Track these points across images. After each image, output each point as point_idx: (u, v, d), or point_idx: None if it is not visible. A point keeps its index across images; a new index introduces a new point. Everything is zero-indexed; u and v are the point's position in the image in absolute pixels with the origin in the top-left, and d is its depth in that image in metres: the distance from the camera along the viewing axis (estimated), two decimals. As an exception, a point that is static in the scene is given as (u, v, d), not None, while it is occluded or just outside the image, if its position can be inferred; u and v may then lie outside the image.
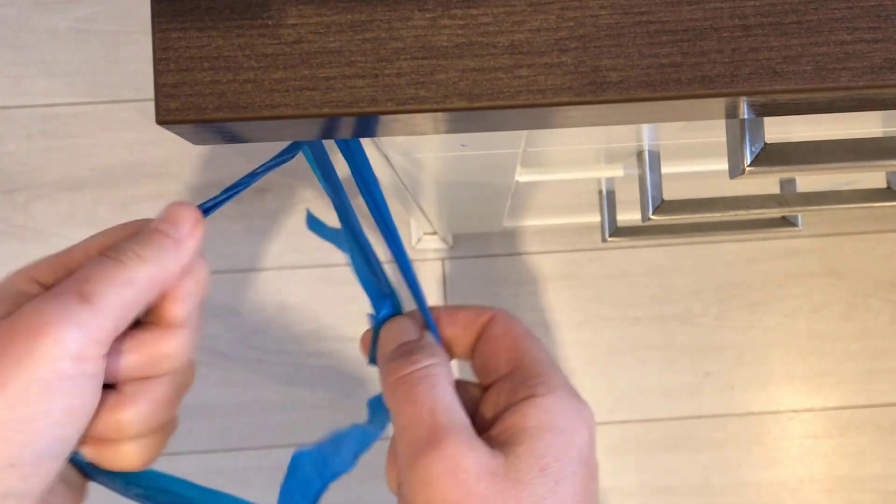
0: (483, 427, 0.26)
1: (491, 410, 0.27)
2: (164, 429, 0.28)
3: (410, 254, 0.98)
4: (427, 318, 0.29)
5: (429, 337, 0.29)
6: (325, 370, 0.94)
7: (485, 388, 0.29)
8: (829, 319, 0.97)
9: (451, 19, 0.24)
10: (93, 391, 0.24)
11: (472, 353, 0.29)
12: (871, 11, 0.23)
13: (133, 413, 0.25)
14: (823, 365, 0.96)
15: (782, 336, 0.97)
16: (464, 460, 0.24)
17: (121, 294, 0.24)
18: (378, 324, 0.30)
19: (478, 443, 0.25)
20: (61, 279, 0.25)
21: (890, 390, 0.95)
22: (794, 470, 0.94)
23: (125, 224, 0.27)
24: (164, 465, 1.00)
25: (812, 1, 0.24)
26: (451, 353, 0.30)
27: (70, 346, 0.23)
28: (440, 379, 0.26)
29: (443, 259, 0.98)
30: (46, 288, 0.25)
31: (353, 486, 0.91)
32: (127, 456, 0.26)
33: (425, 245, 0.97)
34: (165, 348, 0.26)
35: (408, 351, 0.27)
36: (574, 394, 0.26)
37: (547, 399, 0.25)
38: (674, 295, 0.98)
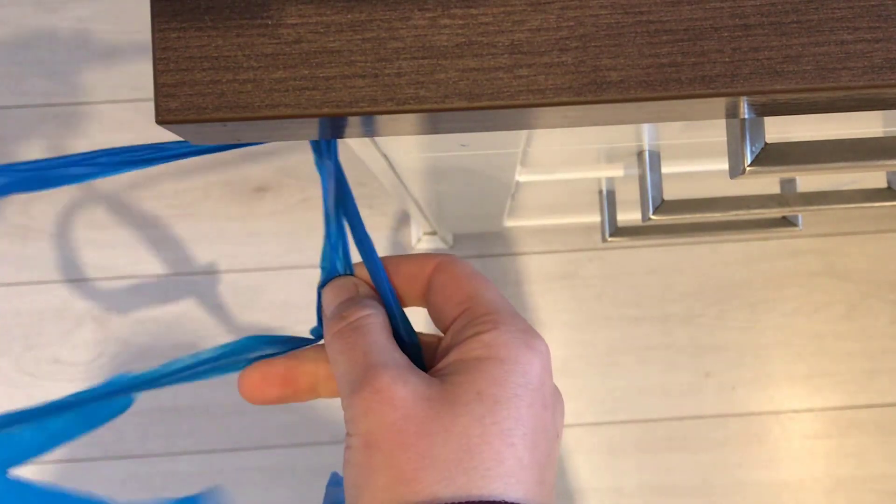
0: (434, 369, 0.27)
1: (442, 353, 0.27)
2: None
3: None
4: (377, 271, 0.29)
5: (363, 290, 0.29)
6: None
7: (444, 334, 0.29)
8: (830, 319, 0.97)
9: (451, 19, 0.24)
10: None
11: (426, 303, 0.30)
12: (871, 11, 0.23)
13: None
14: (823, 365, 0.96)
15: (782, 336, 0.97)
16: (398, 390, 0.24)
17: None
18: (321, 288, 0.30)
19: (414, 376, 0.25)
20: None
21: (890, 390, 0.95)
22: (794, 470, 0.94)
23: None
24: (165, 465, 1.00)
25: (812, 1, 0.24)
26: (403, 303, 0.30)
27: None
28: (373, 327, 0.27)
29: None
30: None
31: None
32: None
33: (425, 245, 0.97)
34: None
35: (342, 307, 0.28)
36: (523, 327, 0.26)
37: (490, 334, 0.26)
38: (674, 295, 0.98)
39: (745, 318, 0.97)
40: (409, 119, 0.25)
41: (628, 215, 0.62)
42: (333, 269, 0.30)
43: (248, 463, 0.92)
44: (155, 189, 0.99)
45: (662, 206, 0.49)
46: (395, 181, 0.60)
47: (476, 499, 0.23)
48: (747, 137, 0.30)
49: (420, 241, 0.97)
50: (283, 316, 0.96)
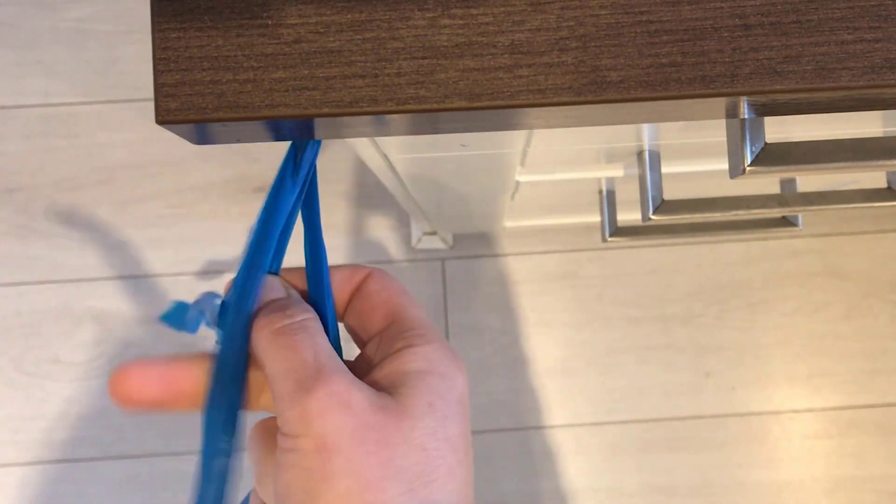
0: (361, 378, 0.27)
1: (367, 364, 0.27)
2: None
3: (411, 254, 0.98)
4: (322, 277, 0.29)
5: (294, 293, 0.29)
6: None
7: (361, 347, 0.29)
8: (830, 319, 0.97)
9: (451, 19, 0.24)
10: None
11: (346, 313, 0.30)
12: (871, 11, 0.23)
13: None
14: (823, 365, 0.96)
15: (782, 336, 0.97)
16: (354, 395, 0.24)
17: None
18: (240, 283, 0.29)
19: (363, 384, 0.25)
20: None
21: (890, 390, 0.95)
22: (794, 470, 0.94)
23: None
24: (166, 465, 1.00)
25: (812, 1, 0.24)
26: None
27: None
28: (317, 331, 0.27)
29: (443, 259, 0.98)
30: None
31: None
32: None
33: (425, 245, 0.97)
34: None
35: (282, 306, 0.27)
36: (448, 346, 0.27)
37: (425, 348, 0.26)
38: (674, 295, 0.98)
39: (745, 318, 0.97)
40: (409, 119, 0.25)
41: (628, 215, 0.62)
42: (257, 265, 0.29)
43: (247, 463, 0.92)
44: (155, 189, 0.99)
45: (662, 206, 0.49)
46: (394, 181, 0.60)
47: None
48: (747, 137, 0.30)
49: (420, 241, 0.97)
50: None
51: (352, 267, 0.30)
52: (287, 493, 0.24)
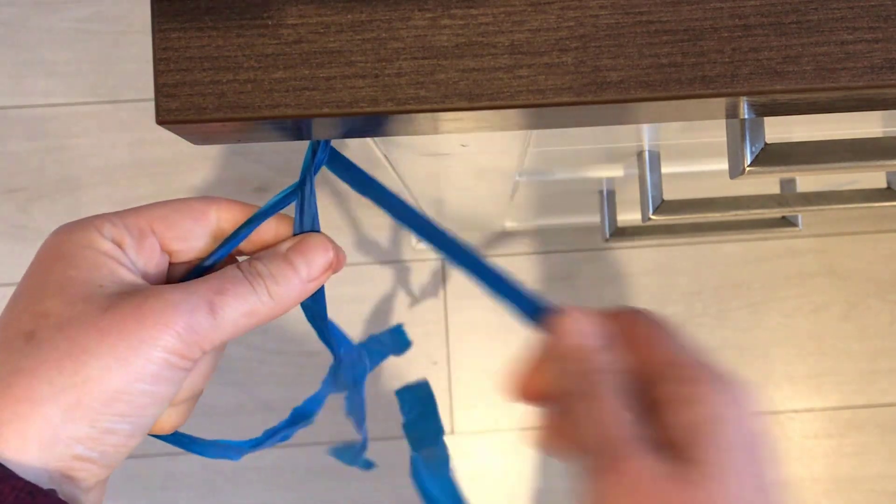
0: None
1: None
2: (197, 396, 0.30)
3: (411, 254, 0.98)
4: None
5: (604, 338, 0.27)
6: (325, 370, 0.94)
7: None
8: (829, 319, 0.97)
9: (451, 19, 0.24)
10: (180, 383, 0.26)
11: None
12: (871, 11, 0.23)
13: (186, 383, 0.28)
14: (823, 365, 0.96)
15: (782, 336, 0.97)
16: (649, 482, 0.23)
17: (240, 321, 0.26)
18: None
19: (660, 462, 0.24)
20: (144, 242, 0.27)
21: (890, 390, 0.95)
22: (794, 470, 0.94)
23: (232, 202, 0.29)
24: (165, 466, 0.99)
25: (812, 1, 0.24)
26: None
27: (184, 345, 0.25)
28: (620, 390, 0.25)
29: (443, 259, 0.98)
30: (122, 247, 0.26)
31: (353, 486, 0.91)
32: (165, 419, 0.29)
33: (425, 245, 0.97)
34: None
35: (593, 358, 0.26)
36: (720, 377, 0.25)
37: (711, 403, 0.25)
38: (674, 295, 0.98)
39: (744, 318, 0.97)
40: (410, 119, 0.25)
41: (628, 215, 0.62)
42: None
43: (247, 463, 0.92)
44: (155, 189, 0.99)
45: (662, 206, 0.49)
46: (394, 181, 0.60)
47: None
48: (747, 137, 0.30)
49: (420, 241, 0.97)
50: (283, 316, 0.96)
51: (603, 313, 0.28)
52: None
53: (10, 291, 0.28)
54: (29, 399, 0.23)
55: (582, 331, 0.26)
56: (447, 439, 0.34)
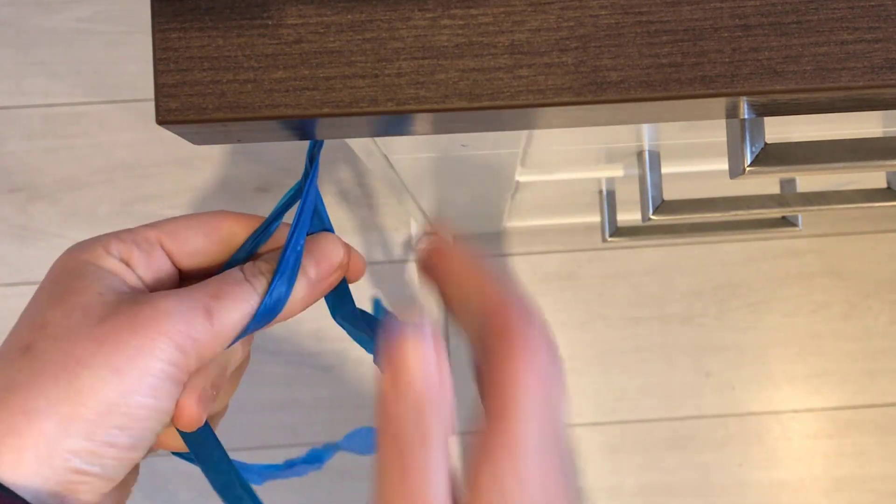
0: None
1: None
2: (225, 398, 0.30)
3: (411, 254, 0.98)
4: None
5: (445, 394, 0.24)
6: (325, 370, 0.94)
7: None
8: (829, 319, 0.97)
9: (451, 19, 0.24)
10: (177, 397, 0.25)
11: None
12: (871, 11, 0.23)
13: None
14: (823, 365, 0.96)
15: (782, 336, 0.97)
16: None
17: (240, 324, 0.25)
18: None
19: None
20: (152, 260, 0.26)
21: (890, 390, 0.95)
22: (794, 470, 0.94)
23: (243, 216, 0.28)
24: (165, 465, 0.99)
25: (812, 1, 0.24)
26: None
27: (181, 354, 0.24)
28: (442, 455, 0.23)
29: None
30: (128, 265, 0.26)
31: (354, 487, 0.91)
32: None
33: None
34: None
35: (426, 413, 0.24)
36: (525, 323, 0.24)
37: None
38: (674, 295, 0.98)
39: (745, 318, 0.97)
40: (410, 119, 0.25)
41: (628, 215, 0.62)
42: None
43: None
44: (155, 189, 0.99)
45: (662, 206, 0.49)
46: (395, 181, 0.60)
47: None
48: (747, 137, 0.30)
49: (420, 241, 0.97)
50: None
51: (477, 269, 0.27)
52: None
53: (10, 291, 0.28)
54: (24, 412, 0.23)
55: (421, 366, 0.23)
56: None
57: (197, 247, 0.27)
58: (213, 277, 0.26)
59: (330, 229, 0.29)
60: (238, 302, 0.26)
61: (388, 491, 0.22)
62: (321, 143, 0.29)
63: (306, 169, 0.29)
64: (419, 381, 0.22)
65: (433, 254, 0.28)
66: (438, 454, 0.22)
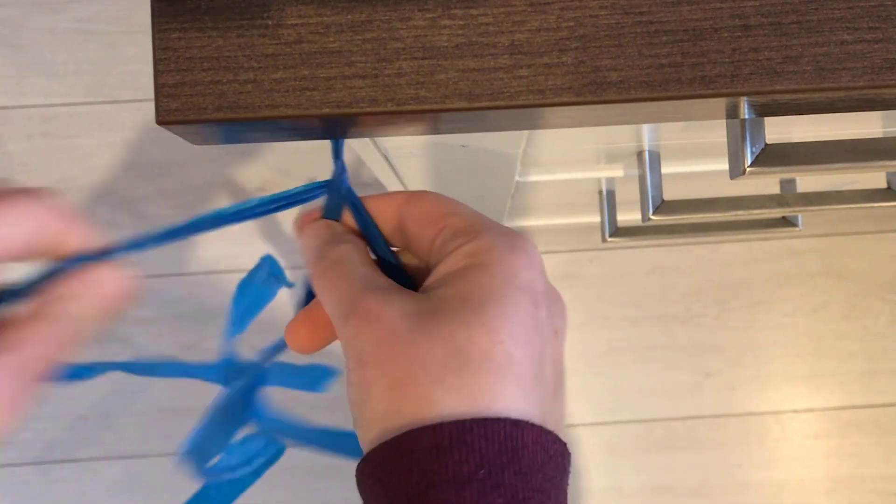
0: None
1: (427, 274, 0.27)
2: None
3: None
4: (356, 203, 0.30)
5: (337, 228, 0.30)
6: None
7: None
8: (829, 319, 0.97)
9: (451, 19, 0.24)
10: None
11: (404, 239, 0.30)
12: (871, 11, 0.23)
13: None
14: (823, 365, 0.96)
15: (782, 336, 0.97)
16: (384, 309, 0.25)
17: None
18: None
19: (398, 295, 0.25)
20: None
21: (890, 390, 0.95)
22: (794, 470, 0.94)
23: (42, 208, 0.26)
24: (165, 465, 0.99)
25: (812, 1, 0.24)
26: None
27: None
28: (352, 259, 0.28)
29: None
30: None
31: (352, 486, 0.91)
32: None
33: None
34: None
35: (317, 249, 0.29)
36: (505, 231, 0.26)
37: (472, 244, 0.26)
38: (674, 295, 0.98)
39: (745, 318, 0.97)
40: (409, 119, 0.25)
41: (628, 215, 0.62)
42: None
43: (248, 463, 0.92)
44: (155, 189, 0.99)
45: (662, 206, 0.49)
46: (395, 181, 0.60)
47: (479, 413, 0.23)
48: (747, 138, 0.30)
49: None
50: (285, 317, 0.96)
51: (390, 193, 0.30)
52: (350, 408, 0.26)
53: (10, 291, 0.28)
54: None
55: (317, 229, 0.30)
56: None
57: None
58: None
59: (373, 227, 0.30)
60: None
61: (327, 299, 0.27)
62: (341, 143, 0.30)
63: (336, 168, 0.29)
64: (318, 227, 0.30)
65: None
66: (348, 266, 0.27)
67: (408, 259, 0.30)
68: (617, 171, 0.55)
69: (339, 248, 0.28)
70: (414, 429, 0.23)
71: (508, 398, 0.23)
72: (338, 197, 0.30)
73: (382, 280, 0.27)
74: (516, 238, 0.26)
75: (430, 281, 0.26)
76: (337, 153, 0.30)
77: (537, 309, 0.25)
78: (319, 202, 0.30)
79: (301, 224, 0.31)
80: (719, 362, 0.96)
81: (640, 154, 0.50)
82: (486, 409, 0.23)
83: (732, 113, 0.26)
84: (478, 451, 0.22)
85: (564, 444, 0.24)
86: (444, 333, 0.24)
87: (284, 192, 0.30)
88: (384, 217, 0.30)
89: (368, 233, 0.30)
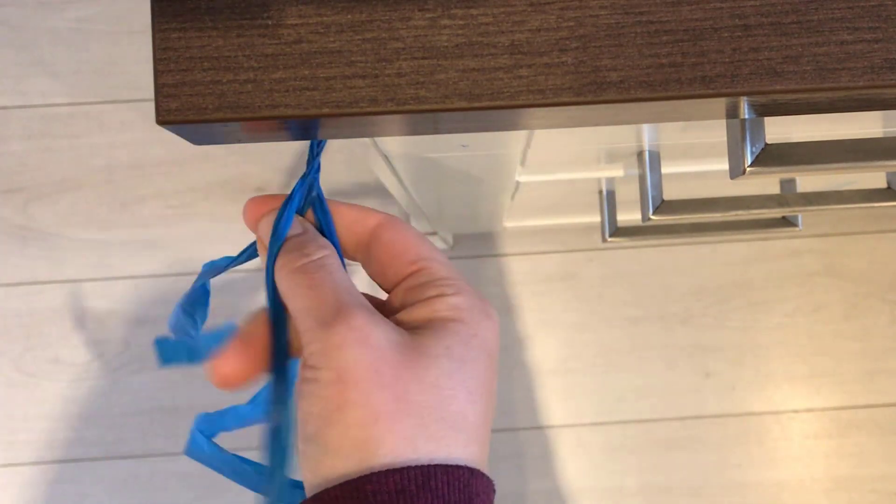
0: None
1: (393, 307, 0.28)
2: None
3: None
4: (326, 219, 0.30)
5: (312, 230, 0.29)
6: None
7: (387, 292, 0.29)
8: (830, 319, 0.97)
9: (451, 19, 0.24)
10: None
11: (364, 260, 0.30)
12: (871, 11, 0.23)
13: None
14: (823, 365, 0.96)
15: (782, 336, 0.97)
16: (373, 331, 0.25)
17: None
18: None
19: (382, 320, 0.26)
20: None
21: (890, 390, 0.95)
22: (794, 470, 0.94)
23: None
24: (166, 465, 0.99)
25: (812, 1, 0.24)
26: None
27: None
28: (336, 268, 0.27)
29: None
30: None
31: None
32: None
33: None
34: None
35: (299, 245, 0.28)
36: (479, 296, 0.28)
37: (456, 298, 0.26)
38: (674, 295, 0.98)
39: (745, 318, 0.97)
40: (409, 119, 0.25)
41: (628, 215, 0.62)
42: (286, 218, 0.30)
43: (248, 463, 0.92)
44: (155, 189, 0.99)
45: (662, 206, 0.49)
46: (394, 181, 0.60)
47: (442, 461, 0.24)
48: (747, 138, 0.30)
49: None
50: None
51: (362, 209, 0.30)
52: (305, 420, 0.25)
53: (10, 291, 0.28)
54: None
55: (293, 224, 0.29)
56: None
57: None
58: None
59: (334, 235, 0.29)
60: None
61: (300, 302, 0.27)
62: (323, 143, 0.29)
63: (307, 169, 0.29)
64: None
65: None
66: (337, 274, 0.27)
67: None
68: (617, 171, 0.55)
69: (323, 249, 0.28)
70: (379, 472, 0.23)
71: (469, 448, 0.25)
72: (307, 196, 0.29)
73: (362, 297, 0.27)
74: (487, 304, 0.27)
75: (408, 318, 0.26)
76: (315, 152, 0.29)
77: (495, 377, 0.27)
78: (281, 195, 0.30)
79: (256, 213, 0.30)
80: (719, 362, 0.96)
81: (640, 154, 0.50)
82: (446, 457, 0.24)
83: (732, 113, 0.26)
84: (441, 498, 0.23)
85: (493, 485, 0.26)
86: (431, 378, 0.24)
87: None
88: (351, 230, 0.30)
89: (329, 240, 0.29)
